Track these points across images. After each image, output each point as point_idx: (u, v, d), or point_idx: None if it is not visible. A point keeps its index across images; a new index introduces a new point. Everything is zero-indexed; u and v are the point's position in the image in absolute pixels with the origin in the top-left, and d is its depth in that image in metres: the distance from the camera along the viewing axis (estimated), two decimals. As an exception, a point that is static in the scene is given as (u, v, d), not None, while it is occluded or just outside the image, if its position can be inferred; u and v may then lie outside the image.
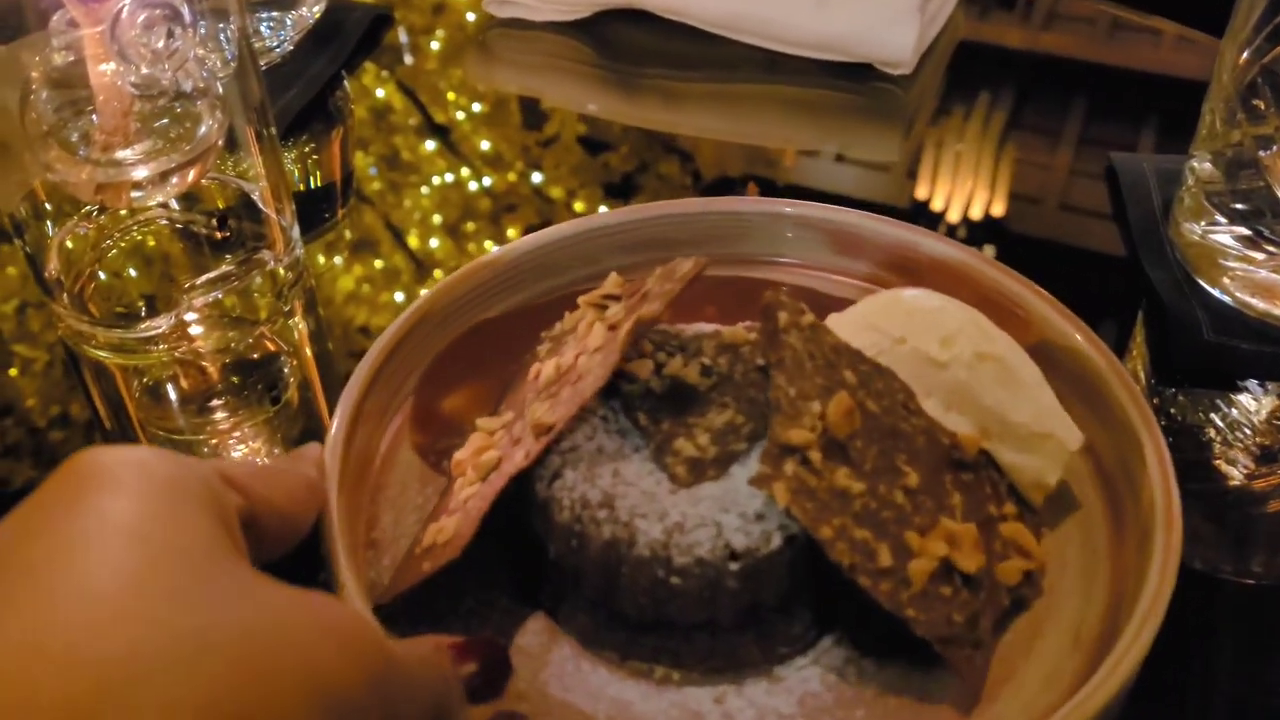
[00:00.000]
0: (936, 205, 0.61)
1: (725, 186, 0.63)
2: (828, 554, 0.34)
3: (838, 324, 0.43)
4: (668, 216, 0.50)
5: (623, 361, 0.38)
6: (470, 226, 0.59)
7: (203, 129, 0.46)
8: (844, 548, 0.34)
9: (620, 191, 0.62)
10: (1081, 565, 0.40)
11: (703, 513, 0.35)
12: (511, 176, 0.62)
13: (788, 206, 0.51)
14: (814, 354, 0.38)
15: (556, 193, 0.61)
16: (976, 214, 0.61)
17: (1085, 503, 0.42)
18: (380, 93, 0.70)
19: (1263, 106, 0.48)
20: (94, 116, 0.45)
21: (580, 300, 0.42)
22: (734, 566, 0.35)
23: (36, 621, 0.23)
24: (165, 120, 0.46)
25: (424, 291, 0.46)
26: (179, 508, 0.27)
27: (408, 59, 0.74)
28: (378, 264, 0.57)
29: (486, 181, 0.62)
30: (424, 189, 0.62)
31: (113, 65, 0.43)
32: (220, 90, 0.47)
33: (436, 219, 0.60)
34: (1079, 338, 0.44)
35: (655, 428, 0.37)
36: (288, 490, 0.35)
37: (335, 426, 0.41)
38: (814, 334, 0.38)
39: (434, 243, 0.59)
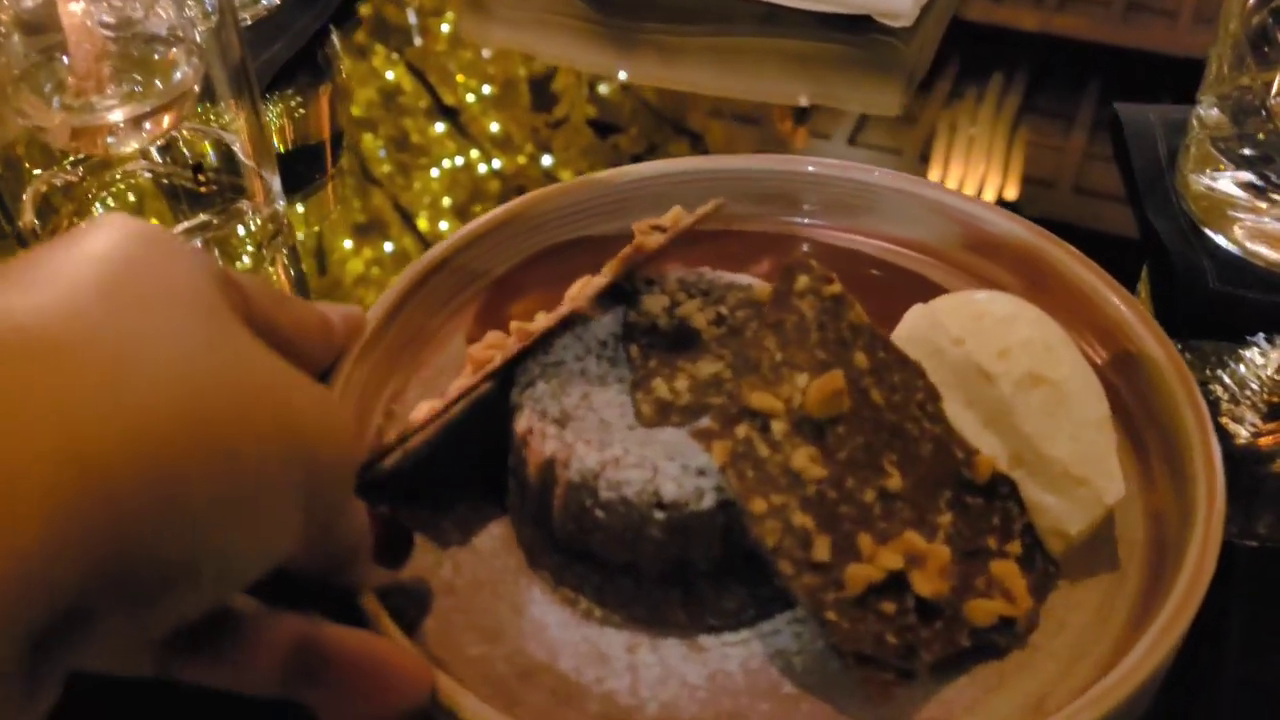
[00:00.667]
0: (952, 184, 0.59)
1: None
2: (751, 529, 0.32)
3: (915, 314, 0.40)
4: (789, 173, 0.48)
5: (636, 290, 0.36)
6: (463, 197, 0.59)
7: (178, 75, 0.46)
8: (774, 526, 0.32)
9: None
10: (1083, 632, 0.35)
11: (647, 454, 0.34)
12: (521, 159, 0.61)
13: (925, 188, 0.47)
14: (825, 325, 0.35)
15: (566, 175, 0.60)
16: (990, 194, 0.59)
17: (1123, 571, 0.37)
18: (369, 55, 0.70)
19: (1270, 50, 0.48)
20: (65, 59, 0.45)
21: (635, 226, 0.41)
22: (659, 515, 0.33)
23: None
24: (140, 66, 0.46)
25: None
26: (179, 253, 0.28)
27: (403, 21, 0.73)
28: (362, 219, 0.57)
29: (496, 164, 0.61)
30: (424, 160, 0.61)
31: (82, 4, 0.43)
32: (197, 37, 0.47)
33: (434, 179, 0.60)
34: (1184, 400, 0.38)
35: (643, 362, 0.36)
36: (296, 318, 0.35)
37: (389, 291, 0.42)
38: (834, 307, 0.36)
39: (427, 201, 0.59)
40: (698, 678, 0.34)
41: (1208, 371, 0.46)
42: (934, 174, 0.60)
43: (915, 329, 0.39)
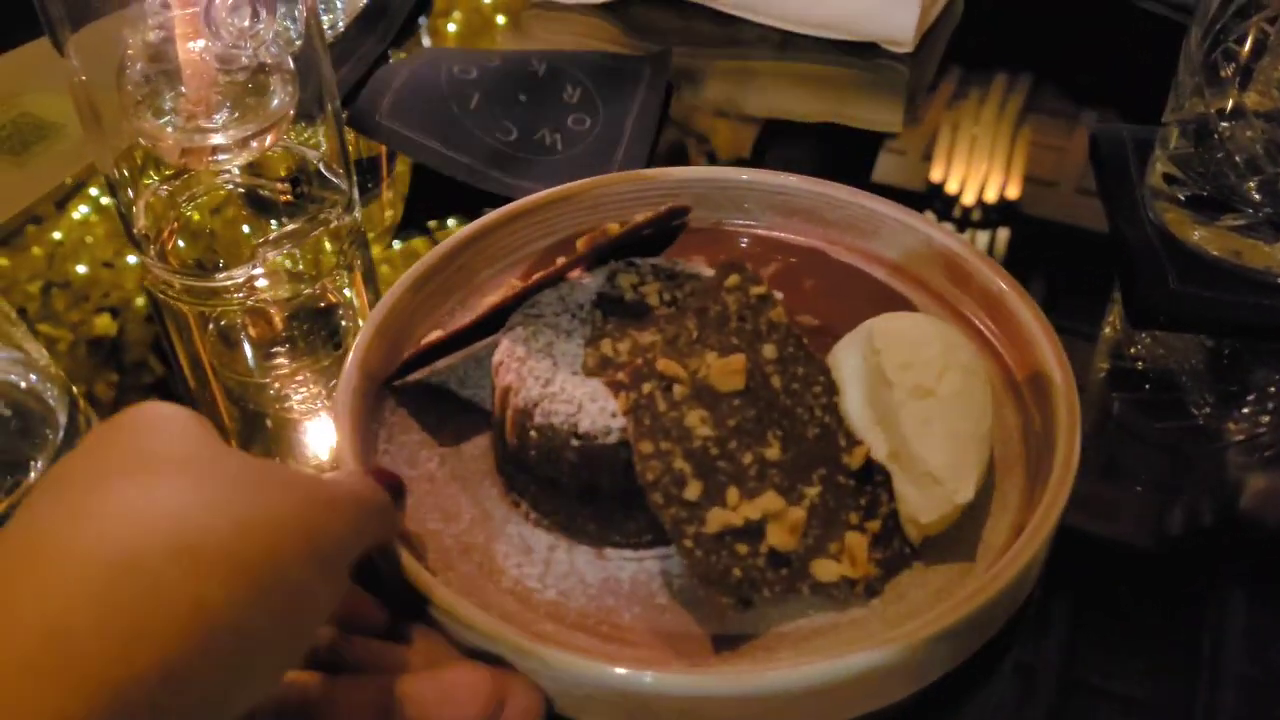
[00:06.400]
0: (954, 185, 0.64)
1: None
2: (636, 465, 0.40)
3: (865, 324, 0.47)
4: (807, 191, 0.56)
5: (615, 271, 0.45)
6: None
7: (276, 101, 0.52)
8: (655, 466, 0.40)
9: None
10: (915, 606, 0.42)
11: (576, 394, 0.42)
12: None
13: (908, 217, 0.54)
14: (745, 318, 0.43)
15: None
16: (992, 195, 0.64)
17: (974, 567, 0.43)
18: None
19: (1224, 78, 0.54)
20: (182, 88, 0.51)
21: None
22: (575, 443, 0.42)
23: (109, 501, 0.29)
24: (243, 92, 0.52)
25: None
26: (202, 434, 0.33)
27: (448, 39, 0.79)
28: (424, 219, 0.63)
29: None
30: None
31: (201, 43, 0.49)
32: (291, 65, 0.53)
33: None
34: (1064, 431, 0.44)
35: (601, 325, 0.45)
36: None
37: (446, 240, 0.52)
38: (758, 304, 0.43)
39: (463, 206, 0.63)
40: (594, 579, 0.43)
41: (1170, 359, 0.53)
42: (936, 174, 0.65)
43: (855, 338, 0.47)
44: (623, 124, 0.66)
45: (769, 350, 0.43)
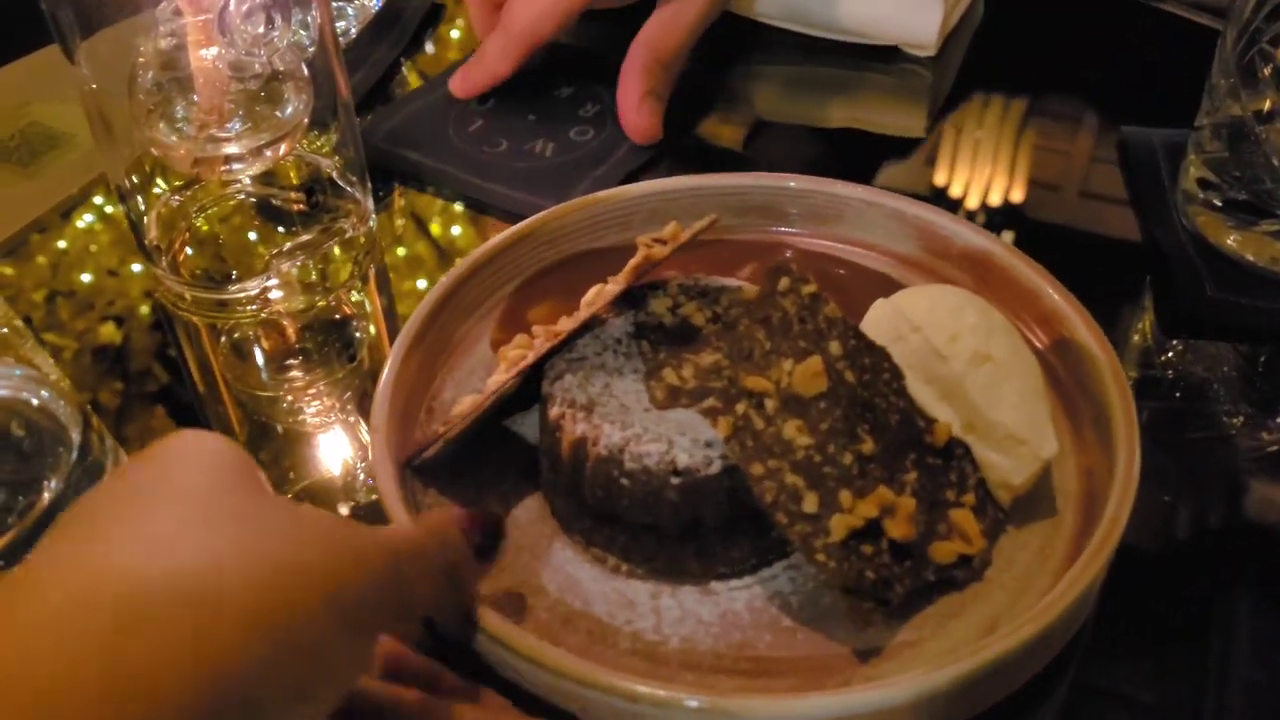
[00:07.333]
0: (958, 188, 0.64)
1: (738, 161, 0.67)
2: (753, 489, 0.39)
3: (880, 306, 0.47)
4: (772, 188, 0.55)
5: (645, 295, 0.43)
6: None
7: (289, 109, 0.51)
8: (771, 486, 0.39)
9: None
10: (1028, 568, 0.42)
11: (662, 430, 0.40)
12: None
13: (887, 199, 0.54)
14: (805, 319, 0.42)
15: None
16: (996, 198, 0.63)
17: (1060, 517, 0.44)
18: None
19: (1261, 80, 0.52)
20: (194, 97, 0.50)
21: (638, 240, 0.48)
22: (675, 480, 0.40)
23: (128, 546, 0.28)
24: (256, 101, 0.51)
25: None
26: (237, 471, 0.32)
27: (460, 46, 0.78)
28: (434, 229, 0.64)
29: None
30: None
31: (214, 51, 0.48)
32: (305, 71, 0.52)
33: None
34: (1108, 373, 0.45)
35: (653, 355, 0.43)
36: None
37: (424, 302, 0.49)
38: (812, 303, 0.43)
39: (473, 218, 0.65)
40: (711, 616, 0.41)
41: (1202, 367, 0.51)
42: (939, 177, 0.65)
43: (880, 319, 0.46)
44: (621, 141, 0.65)
45: (835, 347, 0.42)
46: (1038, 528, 0.44)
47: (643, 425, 0.41)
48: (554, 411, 0.42)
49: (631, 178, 0.62)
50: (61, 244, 0.62)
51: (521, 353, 0.45)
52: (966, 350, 0.43)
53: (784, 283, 0.42)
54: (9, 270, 0.60)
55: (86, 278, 0.60)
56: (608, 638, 0.40)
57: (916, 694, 0.36)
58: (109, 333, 0.56)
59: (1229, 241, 0.56)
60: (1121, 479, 0.42)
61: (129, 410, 0.53)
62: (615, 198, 0.55)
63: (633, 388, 0.42)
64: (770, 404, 0.40)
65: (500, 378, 0.44)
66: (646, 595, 0.42)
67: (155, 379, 0.54)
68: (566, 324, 0.43)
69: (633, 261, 0.43)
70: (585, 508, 0.42)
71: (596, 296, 0.45)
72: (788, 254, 0.44)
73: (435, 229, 0.63)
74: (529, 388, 0.46)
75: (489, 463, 0.46)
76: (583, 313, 0.43)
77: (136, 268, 0.59)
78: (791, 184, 0.56)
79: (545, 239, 0.54)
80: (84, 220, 0.63)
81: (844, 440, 0.41)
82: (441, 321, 0.50)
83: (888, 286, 0.52)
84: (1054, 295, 0.49)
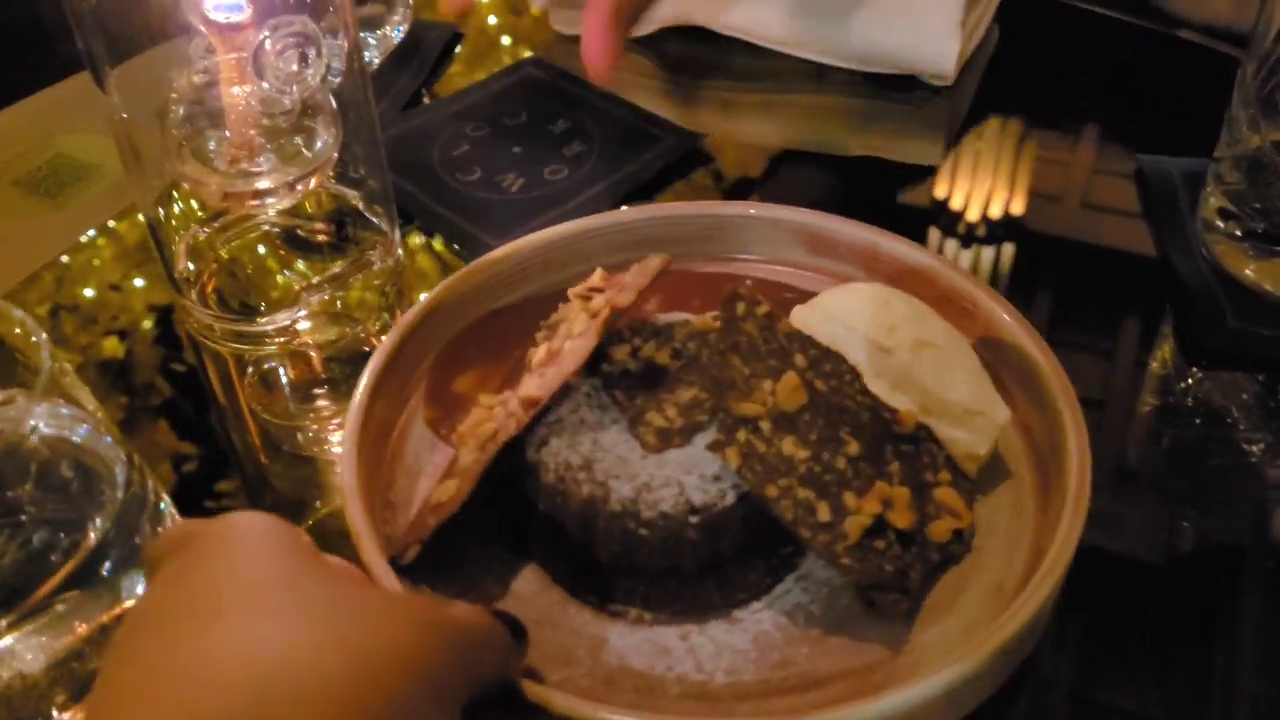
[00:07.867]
0: (974, 211, 0.65)
1: (748, 187, 0.68)
2: (773, 511, 0.40)
3: (802, 313, 0.49)
4: (656, 219, 0.56)
5: (600, 344, 0.43)
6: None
7: (319, 143, 0.51)
8: (788, 505, 0.40)
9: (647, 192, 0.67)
10: (1008, 528, 0.45)
11: (668, 474, 0.41)
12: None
13: (754, 209, 0.56)
14: (768, 339, 0.44)
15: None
16: (1003, 218, 0.64)
17: (1017, 475, 0.47)
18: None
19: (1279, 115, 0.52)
20: (225, 131, 0.50)
21: (570, 292, 0.48)
22: (694, 520, 0.40)
23: (193, 649, 0.28)
24: (287, 135, 0.51)
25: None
26: (299, 552, 0.32)
27: (478, 73, 0.78)
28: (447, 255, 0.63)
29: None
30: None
31: (246, 88, 0.48)
32: (334, 105, 0.52)
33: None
34: (1020, 332, 0.49)
35: (630, 403, 0.43)
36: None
37: (355, 403, 0.47)
38: (769, 322, 0.44)
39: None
40: (745, 644, 0.42)
41: (1222, 396, 0.52)
42: (940, 189, 0.66)
43: (811, 325, 0.48)
44: (593, 182, 0.64)
45: (799, 359, 0.44)
46: (1003, 490, 0.47)
47: (648, 473, 0.41)
48: (550, 478, 0.42)
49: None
50: (65, 258, 0.62)
51: (491, 426, 0.44)
52: (907, 339, 0.46)
53: (740, 308, 0.44)
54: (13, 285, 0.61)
55: (90, 292, 0.60)
56: (655, 688, 0.40)
57: (976, 668, 0.38)
58: (113, 347, 0.57)
59: (1248, 272, 0.56)
60: (1072, 425, 0.45)
61: (133, 424, 0.53)
62: (508, 256, 0.54)
63: (620, 438, 0.42)
64: (765, 426, 0.41)
65: (475, 456, 0.43)
66: (677, 638, 0.42)
67: (158, 392, 0.55)
68: (533, 390, 0.43)
69: (602, 315, 0.43)
70: (598, 566, 0.42)
71: (551, 356, 0.45)
72: (748, 282, 0.45)
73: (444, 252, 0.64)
74: (494, 461, 0.45)
75: (468, 544, 0.45)
76: (550, 379, 0.43)
77: (139, 282, 0.60)
78: (665, 213, 0.57)
79: (449, 309, 0.53)
80: (86, 235, 0.64)
81: (833, 446, 0.42)
82: (377, 414, 0.48)
83: (797, 295, 0.54)
84: (947, 272, 0.52)
